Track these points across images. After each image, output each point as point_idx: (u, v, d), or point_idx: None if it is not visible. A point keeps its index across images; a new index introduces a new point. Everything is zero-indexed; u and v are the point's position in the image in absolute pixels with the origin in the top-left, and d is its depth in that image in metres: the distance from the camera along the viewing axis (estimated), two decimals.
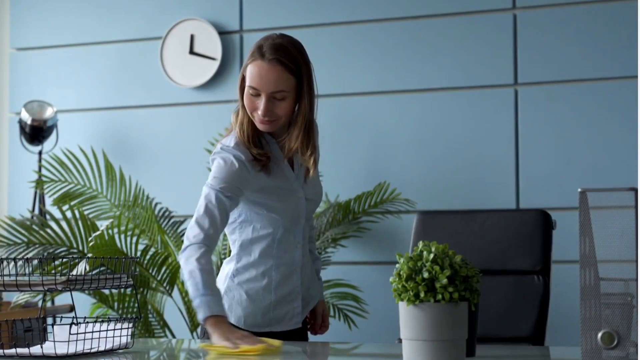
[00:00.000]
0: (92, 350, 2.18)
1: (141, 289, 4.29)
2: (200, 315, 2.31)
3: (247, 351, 2.16)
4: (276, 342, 2.25)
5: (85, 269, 3.72)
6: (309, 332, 2.72)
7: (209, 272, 2.36)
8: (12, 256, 3.97)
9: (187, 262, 2.38)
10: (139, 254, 4.23)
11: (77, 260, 3.75)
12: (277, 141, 2.55)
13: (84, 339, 2.16)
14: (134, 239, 4.20)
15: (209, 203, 2.46)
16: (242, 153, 2.48)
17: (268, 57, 2.42)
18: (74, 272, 3.55)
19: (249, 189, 2.49)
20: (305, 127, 2.48)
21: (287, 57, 2.43)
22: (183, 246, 2.43)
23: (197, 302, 2.32)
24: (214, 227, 2.43)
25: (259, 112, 2.44)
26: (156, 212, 4.51)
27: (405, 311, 1.84)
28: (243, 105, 2.49)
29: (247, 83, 2.44)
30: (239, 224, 2.56)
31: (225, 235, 2.70)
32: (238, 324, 2.53)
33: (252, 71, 2.43)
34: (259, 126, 2.47)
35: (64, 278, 2.13)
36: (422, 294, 1.82)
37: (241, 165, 2.46)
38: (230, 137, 2.52)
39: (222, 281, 2.58)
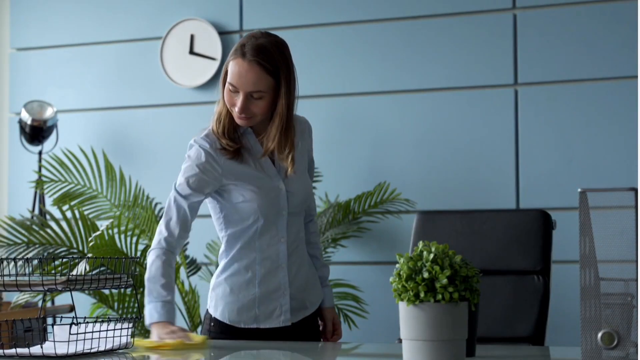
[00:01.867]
0: (92, 350, 2.17)
1: (141, 289, 4.29)
2: (146, 322, 2.50)
3: (162, 346, 2.30)
4: (197, 338, 2.34)
5: (85, 269, 3.72)
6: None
7: (154, 279, 2.54)
8: (12, 256, 3.98)
9: (147, 269, 2.57)
10: (139, 254, 4.23)
11: (77, 260, 3.75)
12: (258, 139, 2.59)
13: (84, 339, 2.16)
14: (134, 239, 4.20)
15: (168, 206, 2.61)
16: (208, 143, 2.56)
17: (248, 57, 2.46)
18: (74, 272, 3.55)
19: (221, 177, 2.55)
20: (282, 127, 2.52)
21: (267, 59, 2.47)
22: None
23: (145, 310, 2.52)
24: (168, 230, 2.56)
25: (236, 109, 2.50)
26: (156, 212, 4.51)
27: (405, 311, 1.84)
28: (223, 98, 2.55)
29: (228, 79, 2.50)
30: (223, 220, 2.61)
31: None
32: (222, 319, 2.59)
33: (232, 69, 2.49)
34: (237, 121, 2.53)
35: (64, 278, 2.13)
36: (422, 294, 1.82)
37: (207, 155, 2.55)
38: (205, 130, 2.61)
39: (213, 279, 2.67)
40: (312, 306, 2.66)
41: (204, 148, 2.56)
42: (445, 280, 1.81)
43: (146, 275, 2.56)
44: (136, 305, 4.28)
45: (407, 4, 4.60)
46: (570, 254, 4.07)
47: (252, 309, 2.57)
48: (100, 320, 2.22)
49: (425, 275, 1.83)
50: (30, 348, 2.14)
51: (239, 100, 2.48)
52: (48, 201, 4.78)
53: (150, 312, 2.49)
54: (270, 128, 2.54)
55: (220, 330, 2.60)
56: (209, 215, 4.97)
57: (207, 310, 2.67)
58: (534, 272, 3.15)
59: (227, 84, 2.51)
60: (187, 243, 4.52)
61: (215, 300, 2.62)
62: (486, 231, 3.24)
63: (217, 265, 4.41)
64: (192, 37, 4.94)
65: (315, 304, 2.67)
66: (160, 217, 4.49)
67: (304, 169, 2.66)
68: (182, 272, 4.63)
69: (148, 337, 4.31)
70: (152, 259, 2.54)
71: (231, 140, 2.55)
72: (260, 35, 2.52)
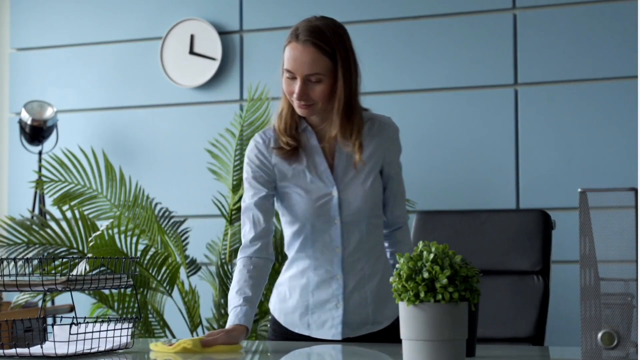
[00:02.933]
0: (92, 351, 2.17)
1: (141, 289, 4.29)
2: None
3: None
4: (197, 348, 2.24)
5: (85, 269, 3.72)
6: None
7: (232, 288, 2.44)
8: (12, 256, 3.98)
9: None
10: (139, 254, 4.23)
11: (77, 260, 3.75)
12: (315, 131, 2.48)
13: (84, 339, 2.16)
14: (134, 239, 4.20)
15: (243, 211, 2.49)
16: (262, 139, 2.48)
17: (302, 38, 2.38)
18: (74, 272, 3.55)
19: (273, 174, 2.47)
20: (345, 112, 2.42)
21: (322, 38, 2.38)
22: None
23: None
24: (250, 233, 2.46)
25: (294, 96, 2.39)
26: (156, 212, 4.50)
27: (405, 311, 1.84)
28: (284, 92, 2.45)
29: (284, 66, 2.40)
30: (281, 219, 2.53)
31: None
32: (279, 320, 2.52)
33: (287, 54, 2.40)
34: (298, 111, 2.42)
35: (64, 278, 2.13)
36: (422, 294, 1.81)
37: (258, 151, 2.47)
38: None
39: (280, 276, 2.58)
40: (386, 321, 2.50)
41: (257, 143, 2.48)
42: (445, 280, 1.81)
43: (234, 280, 2.47)
44: (136, 305, 4.28)
45: (407, 4, 4.60)
46: (571, 254, 4.07)
47: (305, 315, 2.49)
48: (100, 320, 2.22)
49: (425, 275, 1.82)
50: (30, 348, 2.14)
51: (297, 85, 2.37)
52: (48, 201, 4.78)
53: (231, 317, 2.41)
54: (331, 115, 2.43)
55: (277, 330, 2.54)
56: (209, 215, 4.98)
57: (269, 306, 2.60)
58: (534, 273, 3.15)
59: (284, 72, 2.41)
60: (187, 243, 4.53)
61: (275, 299, 2.55)
62: (485, 231, 3.24)
63: (218, 266, 4.42)
64: (192, 37, 4.94)
65: (391, 319, 2.50)
66: (160, 217, 4.52)
67: (372, 173, 2.49)
68: (182, 272, 4.63)
69: (163, 332, 4.30)
70: (238, 268, 2.46)
71: (291, 137, 2.44)
72: (315, 19, 2.45)
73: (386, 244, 2.58)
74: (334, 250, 2.46)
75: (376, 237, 2.52)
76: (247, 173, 2.49)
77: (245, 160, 2.50)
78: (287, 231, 2.51)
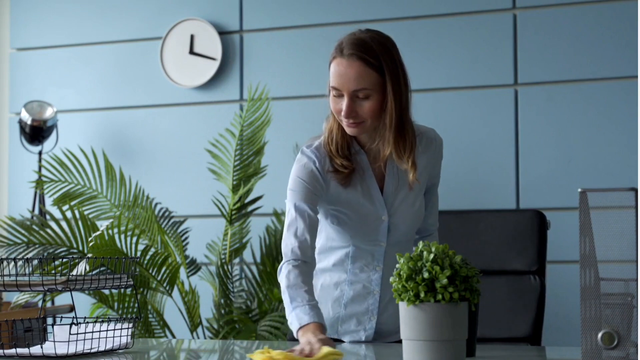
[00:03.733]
0: (92, 351, 2.18)
1: (141, 289, 4.29)
2: (294, 329, 2.21)
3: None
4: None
5: (85, 269, 3.71)
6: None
7: (295, 286, 2.25)
8: (12, 256, 3.98)
9: (280, 283, 2.30)
10: (139, 254, 4.23)
11: (77, 260, 3.74)
12: (365, 150, 2.38)
13: (84, 339, 2.16)
14: (134, 239, 4.20)
15: (290, 215, 2.33)
16: (317, 158, 2.35)
17: (346, 52, 2.26)
18: (74, 272, 3.55)
19: (323, 196, 2.36)
20: (397, 128, 2.30)
21: (367, 51, 2.26)
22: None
23: (289, 320, 2.23)
24: (298, 239, 2.31)
25: (342, 114, 2.28)
26: (156, 212, 4.51)
27: (405, 311, 1.84)
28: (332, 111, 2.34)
29: (330, 84, 2.29)
30: (324, 234, 2.43)
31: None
32: None
33: (332, 70, 2.28)
34: (347, 130, 2.31)
35: (64, 278, 2.13)
36: (422, 294, 1.82)
37: (314, 168, 2.34)
38: (316, 140, 2.39)
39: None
40: None
41: (313, 162, 2.35)
42: (445, 280, 1.81)
43: (283, 285, 2.27)
44: (136, 305, 4.28)
45: (407, 4, 4.60)
46: (571, 254, 4.07)
47: (335, 325, 2.43)
48: (100, 320, 2.22)
49: (425, 275, 1.83)
50: (30, 348, 2.14)
51: (344, 103, 2.26)
52: (48, 201, 4.78)
53: (299, 316, 2.19)
54: (382, 132, 2.30)
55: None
56: (209, 215, 4.97)
57: None
58: (530, 272, 3.15)
59: (330, 90, 2.30)
60: (187, 243, 4.53)
61: None
62: (480, 231, 3.24)
63: (218, 266, 4.41)
64: (192, 37, 4.94)
65: None
66: (160, 217, 4.52)
67: (421, 192, 2.42)
68: (182, 272, 4.63)
69: (163, 332, 4.30)
70: (287, 271, 2.28)
71: (345, 158, 2.33)
72: (359, 32, 2.31)
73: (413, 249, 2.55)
74: (375, 269, 2.41)
75: (412, 249, 2.44)
76: (302, 184, 2.35)
77: (300, 174, 2.36)
78: (323, 243, 2.44)
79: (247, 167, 4.43)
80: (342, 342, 2.47)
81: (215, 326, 4.36)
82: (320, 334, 2.14)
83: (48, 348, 2.15)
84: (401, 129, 2.31)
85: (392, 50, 2.33)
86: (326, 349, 1.99)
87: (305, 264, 2.30)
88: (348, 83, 2.26)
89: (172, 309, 4.51)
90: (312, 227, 2.32)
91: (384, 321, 2.44)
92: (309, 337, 2.11)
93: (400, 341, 2.39)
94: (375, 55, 2.28)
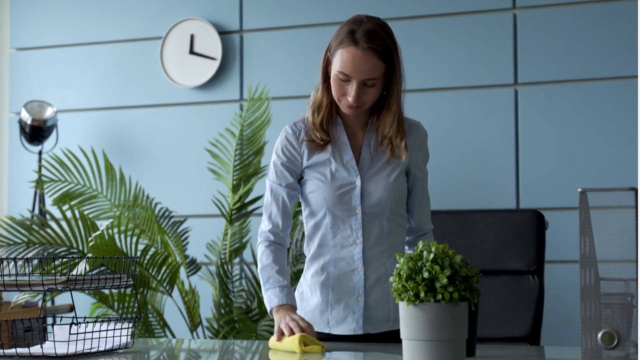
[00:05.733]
0: (92, 350, 2.18)
1: (141, 289, 4.29)
2: (268, 309, 2.42)
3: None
4: (316, 348, 2.24)
5: (85, 269, 3.72)
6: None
7: (267, 267, 2.47)
8: (12, 256, 3.98)
9: (258, 261, 2.51)
10: (139, 254, 4.23)
11: (77, 260, 3.75)
12: (344, 123, 2.50)
13: (84, 339, 2.16)
14: (134, 239, 4.20)
15: (267, 197, 2.53)
16: (293, 130, 2.51)
17: (363, 45, 2.36)
18: (74, 272, 3.55)
19: (300, 164, 2.50)
20: (399, 114, 2.46)
21: (381, 44, 2.38)
22: None
23: (264, 300, 2.44)
24: (272, 222, 2.51)
25: (349, 98, 2.39)
26: (156, 212, 4.51)
27: (405, 311, 1.84)
28: (326, 88, 2.46)
29: (337, 68, 2.38)
30: (303, 214, 2.55)
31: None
32: None
33: (344, 57, 2.38)
34: (345, 110, 2.44)
35: (64, 278, 2.13)
36: (422, 294, 1.82)
37: (288, 142, 2.50)
38: (301, 117, 2.54)
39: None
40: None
41: (287, 134, 2.51)
42: (445, 280, 1.81)
43: (258, 267, 2.48)
44: (136, 305, 4.28)
45: (407, 4, 4.60)
46: (571, 254, 4.07)
47: (325, 312, 2.48)
48: (100, 320, 2.22)
49: (425, 275, 1.83)
50: (30, 348, 2.14)
51: (353, 89, 2.38)
52: (48, 201, 4.79)
53: (270, 298, 2.41)
54: (385, 115, 2.45)
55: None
56: (209, 215, 4.98)
57: None
58: (529, 272, 3.15)
59: (335, 73, 2.39)
60: (187, 243, 4.53)
61: (297, 300, 2.53)
62: (480, 231, 3.25)
63: (218, 266, 4.41)
64: (192, 37, 4.94)
65: None
66: (160, 217, 4.52)
67: (397, 169, 2.51)
68: (182, 272, 4.63)
69: (163, 332, 4.30)
70: (260, 251, 2.50)
71: (325, 132, 2.47)
72: (366, 20, 2.43)
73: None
74: (355, 243, 2.46)
75: (398, 237, 2.51)
76: (276, 162, 2.51)
77: (276, 150, 2.52)
78: (309, 224, 2.52)
79: (247, 167, 4.43)
80: (333, 337, 2.48)
81: (215, 326, 4.36)
82: (292, 314, 2.35)
83: (48, 348, 2.15)
84: (401, 114, 2.48)
85: (395, 40, 2.46)
86: (298, 336, 2.23)
87: (277, 245, 2.50)
88: (360, 72, 2.37)
89: (172, 308, 4.51)
90: (285, 211, 2.50)
91: (372, 305, 2.47)
92: (281, 316, 2.34)
93: (390, 332, 2.44)
94: (387, 48, 2.40)
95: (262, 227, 2.53)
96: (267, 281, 2.44)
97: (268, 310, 2.41)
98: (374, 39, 2.37)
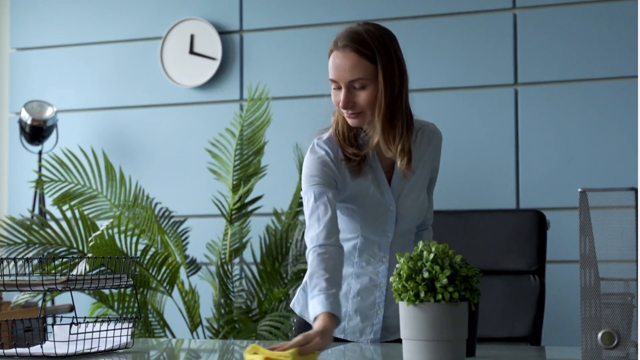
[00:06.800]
0: (92, 350, 2.18)
1: (141, 289, 4.29)
2: (311, 318, 2.22)
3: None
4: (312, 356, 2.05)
5: (85, 269, 3.72)
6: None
7: (314, 274, 2.23)
8: (12, 256, 3.98)
9: (308, 268, 2.31)
10: (139, 254, 4.23)
11: (77, 260, 3.75)
12: (365, 134, 2.38)
13: (84, 339, 2.16)
14: (134, 239, 4.20)
15: (309, 205, 2.32)
16: (330, 149, 2.36)
17: (340, 44, 2.30)
18: (74, 272, 3.55)
19: (339, 185, 2.36)
20: (386, 116, 2.31)
21: (360, 42, 2.29)
22: None
23: (309, 307, 2.23)
24: (320, 225, 2.28)
25: (341, 105, 2.32)
26: (156, 212, 4.51)
27: (405, 311, 1.84)
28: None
29: (329, 77, 2.33)
30: None
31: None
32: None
33: (330, 64, 2.33)
34: (349, 121, 2.35)
35: (64, 278, 2.13)
36: (422, 294, 1.82)
37: (328, 160, 2.35)
38: (325, 133, 2.41)
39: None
40: None
41: (326, 153, 2.36)
42: (445, 280, 1.81)
43: (307, 273, 2.30)
44: (136, 305, 4.28)
45: (407, 4, 4.60)
46: (571, 254, 4.07)
47: (342, 322, 2.40)
48: (100, 320, 2.22)
49: (425, 275, 1.83)
50: (30, 348, 2.14)
51: (342, 94, 2.31)
52: (48, 201, 4.79)
53: (314, 306, 2.19)
54: (372, 120, 2.33)
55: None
56: (209, 215, 4.97)
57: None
58: (530, 272, 3.15)
59: (330, 84, 2.35)
60: (187, 243, 4.53)
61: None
62: (480, 231, 3.24)
63: (218, 266, 4.41)
64: (192, 37, 4.94)
65: None
66: (160, 217, 4.52)
67: (422, 183, 2.44)
68: (182, 272, 4.63)
69: (163, 332, 4.29)
70: (311, 259, 2.27)
71: (354, 147, 2.35)
72: (356, 25, 2.35)
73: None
74: (381, 260, 2.42)
75: (414, 244, 2.47)
76: (316, 175, 2.35)
77: (316, 164, 2.36)
78: None
79: (247, 167, 4.43)
80: (347, 342, 2.45)
81: (215, 326, 4.36)
82: (319, 327, 2.11)
83: (48, 348, 2.15)
84: (391, 118, 2.33)
85: (386, 40, 2.35)
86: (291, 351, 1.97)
87: (330, 247, 2.28)
88: (343, 74, 2.30)
89: (172, 308, 4.51)
90: (333, 212, 2.30)
91: (391, 315, 2.42)
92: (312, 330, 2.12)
93: None
94: (369, 46, 2.31)
95: (308, 232, 2.30)
96: (313, 289, 2.22)
97: (311, 319, 2.21)
98: (353, 38, 2.30)
